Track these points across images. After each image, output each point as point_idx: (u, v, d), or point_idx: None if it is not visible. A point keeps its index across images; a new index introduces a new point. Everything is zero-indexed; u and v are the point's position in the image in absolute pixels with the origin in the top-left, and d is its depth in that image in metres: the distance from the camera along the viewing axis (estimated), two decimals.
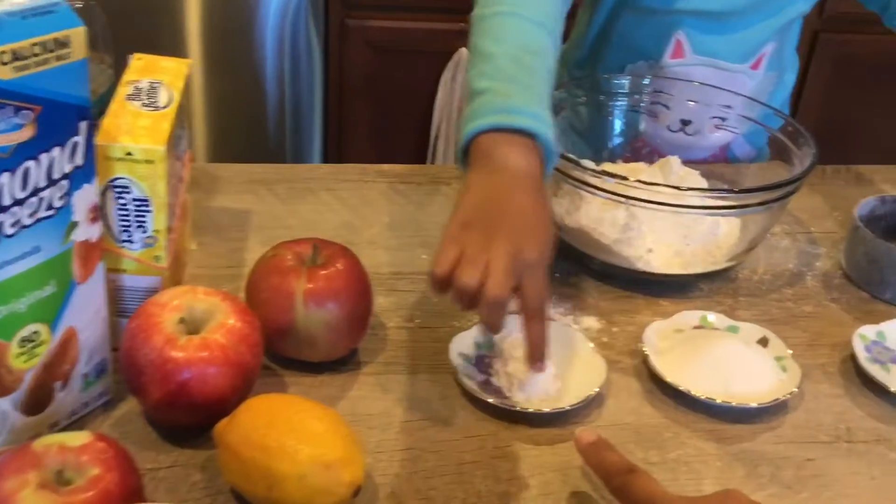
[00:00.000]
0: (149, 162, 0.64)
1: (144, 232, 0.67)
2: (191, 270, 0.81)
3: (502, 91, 0.71)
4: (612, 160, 0.99)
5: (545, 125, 0.70)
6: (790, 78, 1.10)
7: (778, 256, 0.91)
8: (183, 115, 0.75)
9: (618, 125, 1.01)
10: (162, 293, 0.64)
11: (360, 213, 0.93)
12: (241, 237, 0.86)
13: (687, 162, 0.92)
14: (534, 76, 0.73)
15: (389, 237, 0.89)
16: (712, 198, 0.81)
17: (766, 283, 0.87)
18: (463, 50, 2.00)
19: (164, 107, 0.69)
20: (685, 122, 1.01)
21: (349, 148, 2.16)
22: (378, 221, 0.91)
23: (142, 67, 0.73)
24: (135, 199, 0.66)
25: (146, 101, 0.68)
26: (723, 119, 0.99)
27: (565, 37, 1.06)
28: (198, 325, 0.63)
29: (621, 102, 1.00)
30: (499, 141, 0.68)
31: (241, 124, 2.06)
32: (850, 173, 1.07)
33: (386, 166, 1.01)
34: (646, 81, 1.00)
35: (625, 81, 1.00)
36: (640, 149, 1.02)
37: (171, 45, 1.92)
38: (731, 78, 1.02)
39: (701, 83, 0.99)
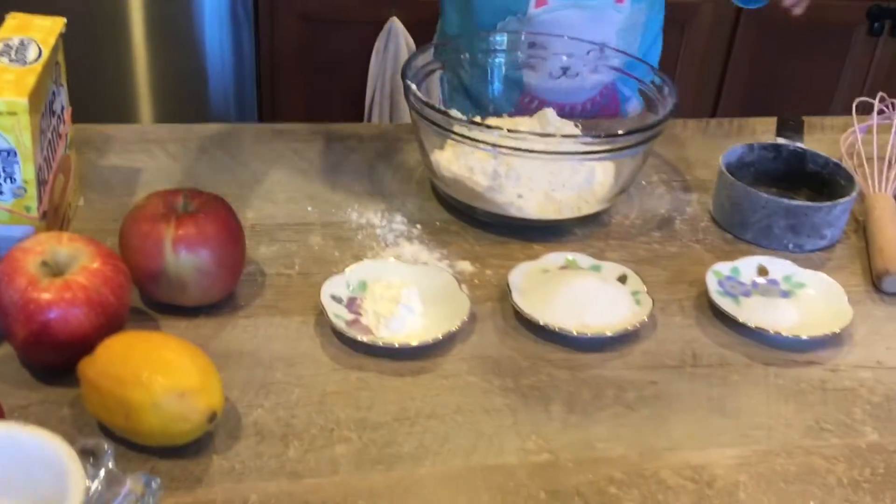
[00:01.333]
0: (11, 114, 0.67)
1: (13, 182, 0.69)
2: (75, 225, 0.83)
3: None
4: (499, 116, 1.02)
5: None
6: (658, 16, 1.15)
7: (652, 203, 0.95)
8: (58, 71, 0.77)
9: (500, 83, 1.04)
10: (27, 239, 0.67)
11: (252, 169, 0.95)
12: (128, 193, 0.88)
13: (577, 109, 0.97)
14: None
15: (278, 191, 0.92)
16: (577, 144, 0.85)
17: (636, 227, 0.91)
18: (394, 19, 2.02)
19: (32, 62, 0.71)
20: (564, 69, 1.04)
21: (286, 120, 2.18)
22: (269, 178, 0.94)
23: (15, 26, 0.76)
24: (1, 151, 0.68)
25: (13, 57, 0.71)
26: (600, 51, 1.03)
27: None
28: (62, 268, 0.66)
29: (499, 60, 1.03)
30: None
31: (185, 102, 2.07)
32: (732, 125, 1.11)
33: (282, 126, 1.04)
34: (521, 38, 1.03)
35: (501, 38, 1.03)
36: (528, 104, 1.06)
37: (112, 19, 1.93)
38: (598, 15, 1.06)
39: (570, 37, 1.02)
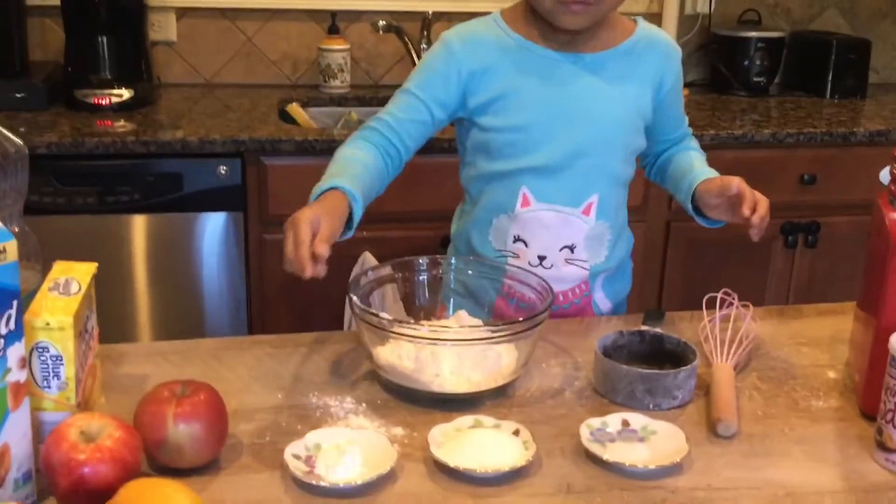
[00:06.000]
0: (61, 329, 0.94)
1: (59, 379, 0.96)
2: None
3: (321, 181, 1.27)
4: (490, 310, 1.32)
5: (345, 183, 1.24)
6: (625, 248, 1.49)
7: (548, 379, 1.21)
8: (91, 300, 1.06)
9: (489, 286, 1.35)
10: (70, 418, 0.92)
11: (237, 371, 1.22)
12: (139, 392, 1.13)
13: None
14: (343, 172, 1.29)
15: (256, 385, 1.18)
16: (480, 335, 1.13)
17: (535, 397, 1.17)
18: (366, 253, 2.34)
19: (74, 294, 0.99)
20: (541, 258, 1.32)
21: None
22: (249, 376, 1.21)
23: (61, 270, 1.05)
24: (52, 356, 0.95)
25: (61, 291, 0.99)
26: (571, 251, 1.36)
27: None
28: (94, 436, 0.91)
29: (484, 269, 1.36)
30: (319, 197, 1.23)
31: (183, 330, 2.35)
32: (619, 320, 1.39)
33: (261, 337, 1.31)
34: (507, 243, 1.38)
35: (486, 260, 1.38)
36: (509, 292, 1.34)
37: (117, 269, 2.24)
38: (568, 220, 1.40)
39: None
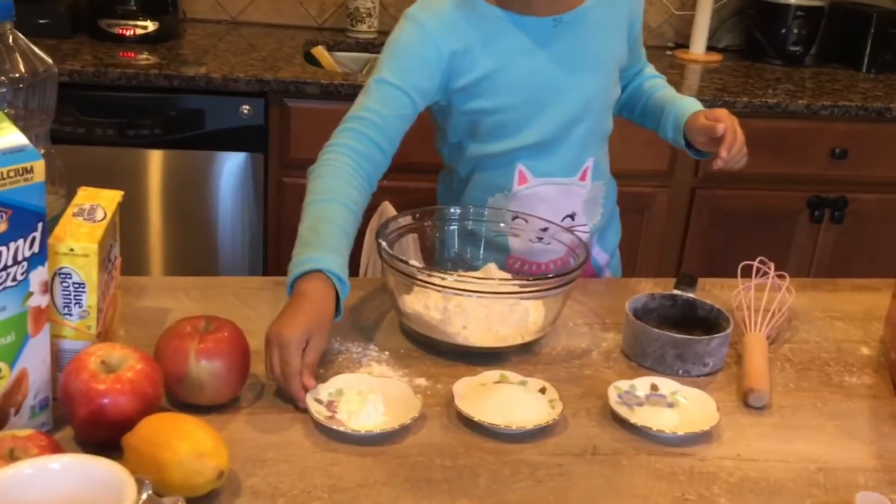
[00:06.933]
0: (85, 255, 0.92)
1: (80, 307, 0.93)
2: None
3: (302, 252, 1.09)
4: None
5: (327, 262, 1.06)
6: (612, 196, 1.45)
7: (575, 339, 1.18)
8: (115, 229, 1.03)
9: (487, 249, 1.32)
10: (90, 347, 0.90)
11: (258, 310, 1.19)
12: (159, 326, 1.11)
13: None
14: (322, 236, 1.10)
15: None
16: (510, 289, 1.10)
17: (561, 356, 1.14)
18: (386, 203, 2.31)
19: (99, 220, 0.96)
20: (543, 230, 1.29)
21: None
22: (270, 316, 1.18)
23: (86, 196, 1.02)
24: (74, 283, 0.92)
25: (86, 217, 0.96)
26: (572, 219, 1.34)
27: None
28: (114, 367, 0.89)
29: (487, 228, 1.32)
30: (301, 280, 1.06)
31: (194, 272, 2.33)
32: (648, 282, 1.36)
33: (284, 278, 1.28)
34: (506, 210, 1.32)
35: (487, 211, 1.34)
36: (514, 265, 1.32)
37: (133, 203, 2.22)
38: (567, 189, 1.35)
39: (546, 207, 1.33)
